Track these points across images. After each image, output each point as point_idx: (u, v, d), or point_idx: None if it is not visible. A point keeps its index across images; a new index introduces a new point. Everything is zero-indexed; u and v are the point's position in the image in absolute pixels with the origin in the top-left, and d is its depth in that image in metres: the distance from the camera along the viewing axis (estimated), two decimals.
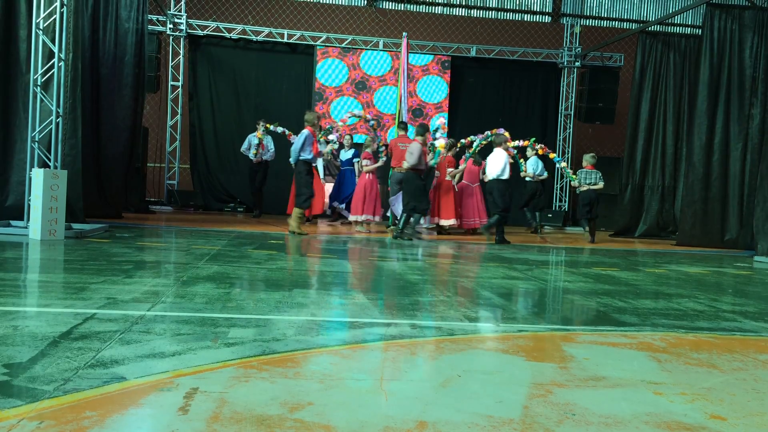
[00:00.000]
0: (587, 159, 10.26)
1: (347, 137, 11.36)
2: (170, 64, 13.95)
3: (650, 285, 5.24)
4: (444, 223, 10.09)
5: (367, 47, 14.19)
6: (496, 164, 9.01)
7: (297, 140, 8.55)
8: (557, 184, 15.06)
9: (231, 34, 13.78)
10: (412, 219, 8.77)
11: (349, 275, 5.00)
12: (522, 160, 11.78)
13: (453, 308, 3.63)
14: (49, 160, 6.56)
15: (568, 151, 14.73)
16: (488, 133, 10.83)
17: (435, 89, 14.41)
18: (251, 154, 11.44)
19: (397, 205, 10.02)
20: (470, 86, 14.69)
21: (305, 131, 8.54)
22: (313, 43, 14.04)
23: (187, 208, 13.40)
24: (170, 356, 2.32)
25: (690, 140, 10.46)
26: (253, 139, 11.46)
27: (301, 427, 1.72)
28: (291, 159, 8.70)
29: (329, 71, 14.10)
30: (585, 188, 10.09)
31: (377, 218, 9.96)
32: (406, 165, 8.83)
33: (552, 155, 11.58)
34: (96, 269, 4.34)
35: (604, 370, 2.45)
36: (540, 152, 11.56)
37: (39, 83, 6.58)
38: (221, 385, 2.02)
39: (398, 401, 1.98)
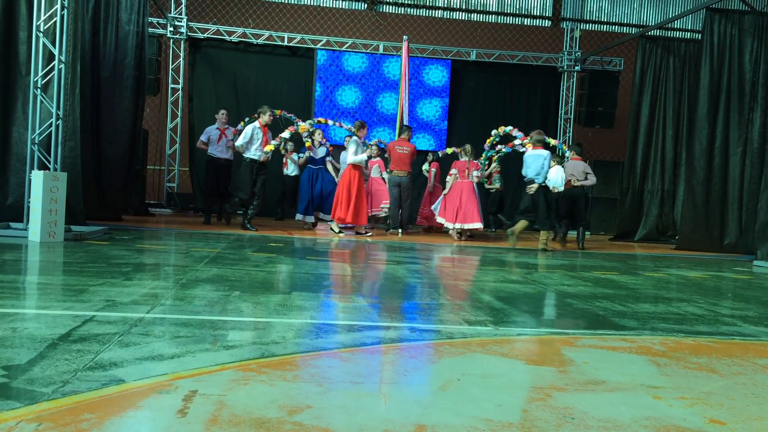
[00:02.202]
0: None
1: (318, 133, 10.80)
2: (170, 67, 13.97)
3: (650, 289, 5.24)
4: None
5: (367, 50, 14.20)
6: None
7: (545, 162, 8.37)
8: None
9: (231, 37, 13.80)
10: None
11: (348, 278, 5.00)
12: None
13: (452, 312, 3.63)
14: (49, 162, 6.57)
15: (568, 156, 14.74)
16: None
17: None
18: (261, 153, 9.09)
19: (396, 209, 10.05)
20: (470, 90, 14.71)
21: (547, 152, 8.46)
22: (313, 46, 14.05)
23: (186, 211, 13.41)
24: (169, 359, 2.31)
25: (690, 144, 10.48)
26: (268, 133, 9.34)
27: (300, 430, 1.71)
28: (540, 179, 8.40)
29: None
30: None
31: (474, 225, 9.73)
32: (578, 183, 9.22)
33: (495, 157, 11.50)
34: (95, 271, 4.34)
35: (603, 374, 2.45)
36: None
37: (39, 85, 6.58)
38: (220, 388, 2.02)
39: (397, 405, 1.98)
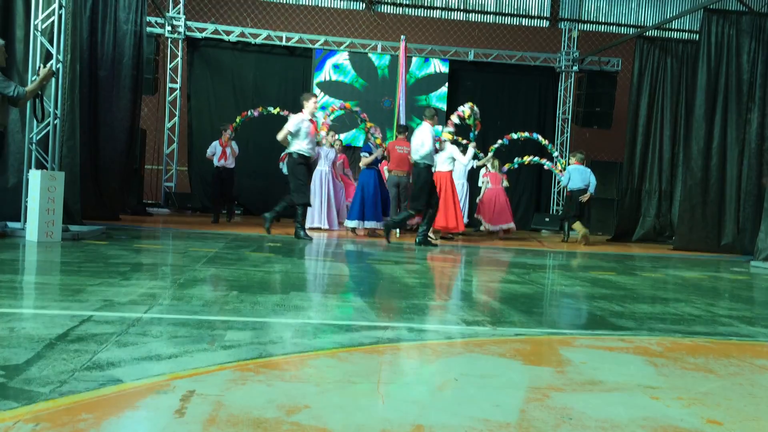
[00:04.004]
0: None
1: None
2: (168, 67, 13.96)
3: (647, 289, 5.25)
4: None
5: (365, 50, 14.20)
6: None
7: (591, 177, 10.45)
8: (554, 188, 15.09)
9: (229, 37, 13.80)
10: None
11: (346, 278, 5.00)
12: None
13: (450, 312, 3.63)
14: (47, 161, 6.56)
15: (566, 156, 14.78)
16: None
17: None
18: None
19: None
20: (468, 90, 14.72)
21: (589, 169, 10.62)
22: (311, 46, 14.05)
23: (184, 210, 13.39)
24: (167, 359, 2.31)
25: (688, 145, 10.49)
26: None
27: (298, 430, 1.71)
28: (591, 189, 10.50)
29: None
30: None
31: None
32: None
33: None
34: (93, 271, 4.33)
35: (600, 374, 2.45)
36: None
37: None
38: (218, 388, 2.02)
39: (395, 404, 1.98)
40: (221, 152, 10.77)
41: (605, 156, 15.36)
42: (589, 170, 10.69)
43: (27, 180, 6.35)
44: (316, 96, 8.57)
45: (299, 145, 8.12)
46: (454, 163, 9.64)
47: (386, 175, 11.09)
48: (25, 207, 6.35)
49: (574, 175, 10.61)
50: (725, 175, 10.12)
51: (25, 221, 6.35)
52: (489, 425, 1.83)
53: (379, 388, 2.13)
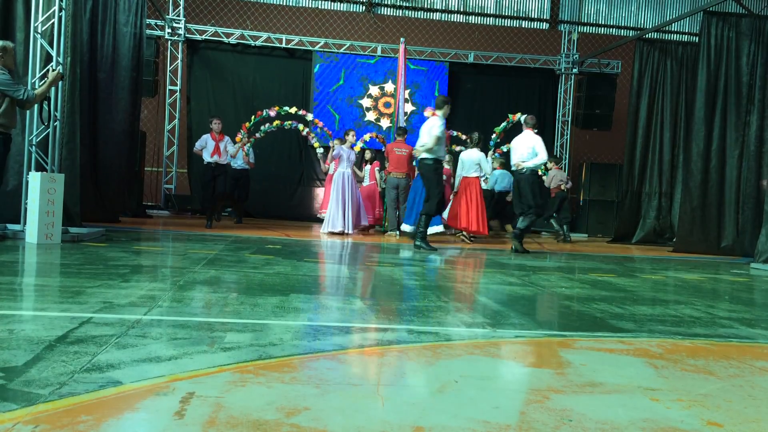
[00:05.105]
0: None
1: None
2: (168, 69, 13.98)
3: (647, 291, 5.24)
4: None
5: (365, 53, 14.21)
6: None
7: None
8: None
9: (229, 39, 13.81)
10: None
11: (346, 280, 5.00)
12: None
13: (450, 314, 3.63)
14: (46, 163, 6.56)
15: (566, 158, 14.78)
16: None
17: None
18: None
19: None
20: (468, 92, 14.73)
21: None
22: (311, 48, 14.06)
23: (184, 212, 13.39)
24: (166, 360, 2.31)
25: (687, 147, 10.49)
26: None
27: None
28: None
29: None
30: None
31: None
32: (564, 187, 11.59)
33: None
34: (92, 273, 4.33)
35: (601, 376, 2.45)
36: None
37: (36, 87, 6.58)
38: (217, 390, 2.01)
39: (395, 407, 1.97)
40: (214, 147, 10.03)
41: (605, 158, 15.37)
42: (508, 173, 11.24)
43: (27, 182, 6.36)
44: (451, 100, 8.15)
45: (437, 151, 7.77)
46: (481, 170, 9.88)
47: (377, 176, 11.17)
48: (25, 209, 6.35)
49: (501, 178, 11.61)
50: (725, 177, 10.11)
51: (24, 223, 6.35)
52: (489, 427, 1.83)
53: (378, 390, 2.12)
